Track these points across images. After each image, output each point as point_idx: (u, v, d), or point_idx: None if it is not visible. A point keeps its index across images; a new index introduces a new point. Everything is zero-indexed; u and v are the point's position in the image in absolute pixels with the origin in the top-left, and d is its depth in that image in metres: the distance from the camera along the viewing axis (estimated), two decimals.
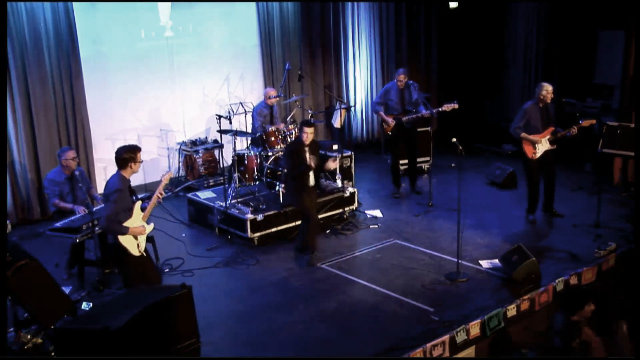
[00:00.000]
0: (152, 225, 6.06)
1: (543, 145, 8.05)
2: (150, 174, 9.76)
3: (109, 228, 5.68)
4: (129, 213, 5.74)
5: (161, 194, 6.02)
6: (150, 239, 7.00)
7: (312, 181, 7.62)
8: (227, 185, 8.47)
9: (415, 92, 9.27)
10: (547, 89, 7.95)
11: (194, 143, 10.29)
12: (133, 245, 5.79)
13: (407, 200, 9.45)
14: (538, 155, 8.07)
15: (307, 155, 7.56)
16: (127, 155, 5.70)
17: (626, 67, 9.59)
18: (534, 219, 8.36)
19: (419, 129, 10.08)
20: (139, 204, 5.89)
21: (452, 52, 12.94)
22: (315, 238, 7.60)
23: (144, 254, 5.96)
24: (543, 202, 8.48)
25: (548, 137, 8.04)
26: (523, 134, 8.03)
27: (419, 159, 10.15)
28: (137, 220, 5.82)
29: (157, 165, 10.24)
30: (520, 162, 8.43)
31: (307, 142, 7.50)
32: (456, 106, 9.06)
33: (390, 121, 9.22)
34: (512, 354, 6.12)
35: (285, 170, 7.88)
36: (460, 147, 7.08)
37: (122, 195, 5.64)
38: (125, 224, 5.71)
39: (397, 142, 9.49)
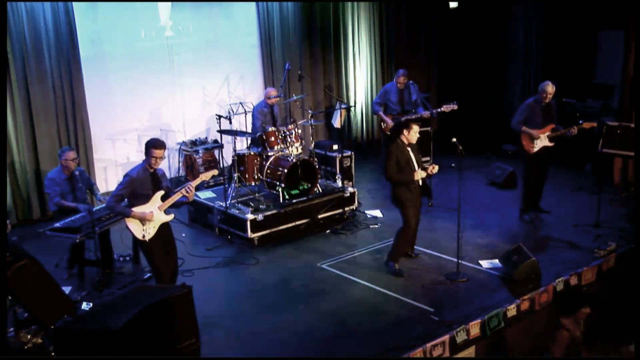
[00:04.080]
0: (171, 215, 6.25)
1: (541, 141, 8.09)
2: None
3: (109, 205, 6.13)
4: (144, 200, 6.05)
5: (190, 189, 6.12)
6: None
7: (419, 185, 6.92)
8: (227, 185, 8.48)
9: (415, 93, 9.28)
10: (545, 90, 7.98)
11: (194, 143, 10.28)
12: (137, 229, 6.05)
13: None
14: (535, 149, 8.11)
15: (412, 156, 6.87)
16: (145, 148, 6.04)
17: (626, 67, 9.59)
18: (530, 219, 8.36)
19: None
20: (159, 193, 6.12)
21: (452, 52, 12.93)
22: (402, 247, 7.16)
23: (156, 243, 6.09)
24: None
25: (547, 133, 8.09)
26: (524, 128, 8.09)
27: None
28: (151, 207, 6.06)
29: None
30: (521, 162, 8.43)
31: (411, 141, 6.88)
32: (455, 107, 9.07)
33: (389, 121, 9.23)
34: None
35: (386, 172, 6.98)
36: (460, 147, 7.07)
37: (130, 181, 5.98)
38: (136, 208, 5.98)
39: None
